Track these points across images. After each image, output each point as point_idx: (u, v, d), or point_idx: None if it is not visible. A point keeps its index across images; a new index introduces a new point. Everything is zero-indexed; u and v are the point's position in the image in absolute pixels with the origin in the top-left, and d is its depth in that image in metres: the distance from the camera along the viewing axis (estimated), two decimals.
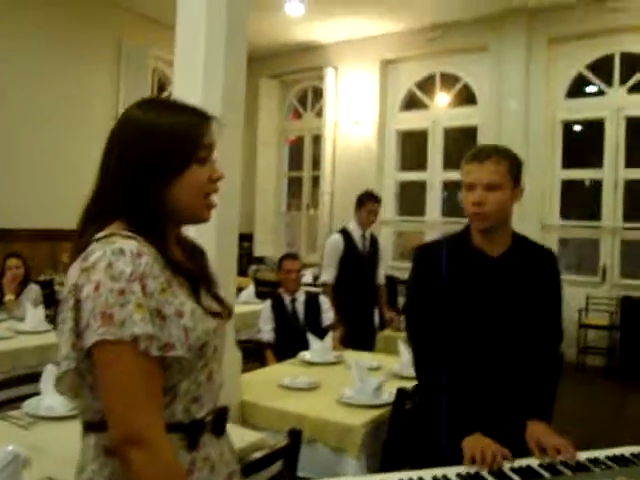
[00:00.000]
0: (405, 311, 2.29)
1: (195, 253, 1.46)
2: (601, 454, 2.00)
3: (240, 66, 3.12)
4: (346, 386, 3.09)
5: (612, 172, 7.90)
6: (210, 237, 2.78)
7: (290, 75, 10.45)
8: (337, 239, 5.12)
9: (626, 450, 2.04)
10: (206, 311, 1.33)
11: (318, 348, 3.86)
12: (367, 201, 5.12)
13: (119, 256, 1.21)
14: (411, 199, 9.55)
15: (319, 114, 10.13)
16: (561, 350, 2.28)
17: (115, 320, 1.17)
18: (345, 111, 9.68)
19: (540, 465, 1.91)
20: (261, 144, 10.35)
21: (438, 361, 2.14)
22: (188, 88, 2.99)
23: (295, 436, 2.15)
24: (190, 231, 1.49)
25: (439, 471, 1.84)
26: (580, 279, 8.02)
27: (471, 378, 2.12)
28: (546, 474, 1.85)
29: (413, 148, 9.64)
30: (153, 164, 1.30)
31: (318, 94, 10.22)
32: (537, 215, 7.97)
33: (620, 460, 1.96)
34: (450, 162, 9.02)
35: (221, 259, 2.86)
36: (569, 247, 8.42)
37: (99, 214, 1.31)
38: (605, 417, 5.65)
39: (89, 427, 1.30)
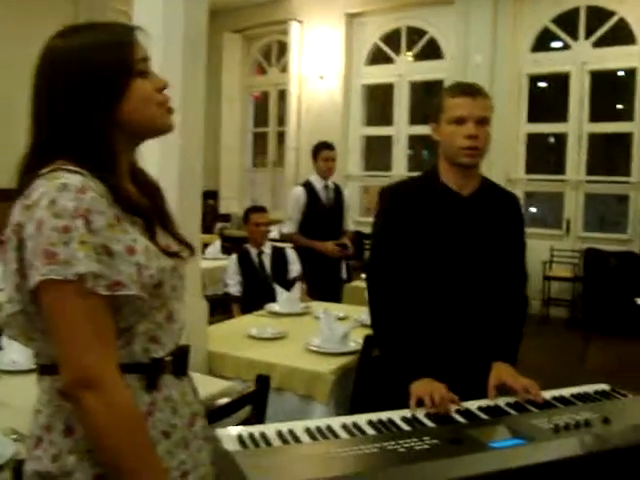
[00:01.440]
0: (371, 256, 2.27)
1: (150, 189, 1.40)
2: (566, 392, 2.04)
3: (201, 18, 3.04)
4: (314, 335, 3.09)
5: (576, 126, 7.95)
6: (173, 191, 2.71)
7: (254, 29, 10.25)
8: (299, 191, 5.12)
9: (590, 388, 2.09)
10: (162, 249, 1.28)
11: (285, 299, 3.85)
12: (321, 149, 5.14)
13: (62, 192, 1.14)
14: (377, 154, 9.52)
15: (284, 69, 9.98)
16: (526, 292, 2.30)
17: (59, 258, 1.11)
18: (310, 66, 9.53)
19: (507, 404, 1.94)
20: (225, 100, 10.19)
21: (400, 305, 2.13)
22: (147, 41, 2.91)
23: (263, 382, 2.14)
24: None
25: (408, 412, 1.85)
26: (544, 232, 8.13)
27: (438, 320, 2.12)
28: (513, 412, 1.88)
29: (379, 103, 9.58)
30: (94, 90, 1.23)
31: (283, 49, 10.06)
32: (503, 168, 7.99)
33: (584, 397, 2.00)
34: (416, 117, 8.97)
35: (184, 213, 2.81)
36: (534, 200, 8.49)
37: (40, 158, 1.23)
38: (568, 366, 5.77)
39: (43, 370, 1.26)
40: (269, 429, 1.69)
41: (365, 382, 2.75)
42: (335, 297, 4.69)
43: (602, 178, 7.96)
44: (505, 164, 8.08)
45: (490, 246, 2.16)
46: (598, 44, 7.88)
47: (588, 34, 7.92)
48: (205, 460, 1.37)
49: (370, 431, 1.71)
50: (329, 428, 1.70)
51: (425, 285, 2.12)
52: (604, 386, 2.11)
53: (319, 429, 1.69)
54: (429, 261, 2.12)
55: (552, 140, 8.58)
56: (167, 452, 1.27)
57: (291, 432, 1.67)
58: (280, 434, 1.65)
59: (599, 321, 7.00)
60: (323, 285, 4.76)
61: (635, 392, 2.09)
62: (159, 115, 1.31)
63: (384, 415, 1.81)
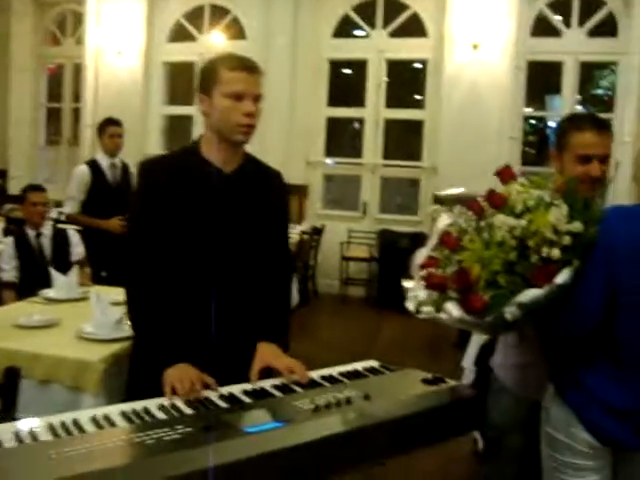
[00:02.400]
0: (127, 235, 2.13)
1: None
2: (334, 371, 2.03)
3: None
4: (89, 322, 2.89)
5: (374, 112, 8.25)
6: None
7: None
8: (83, 169, 4.86)
9: (359, 365, 2.10)
10: None
11: (62, 284, 3.58)
12: (107, 126, 4.96)
13: None
14: (178, 134, 9.26)
15: (79, 41, 9.37)
16: (292, 268, 2.28)
17: None
18: (108, 40, 9.02)
19: (273, 386, 1.89)
20: (16, 70, 9.41)
21: (156, 288, 2.01)
22: None
23: (11, 374, 1.94)
24: None
25: (167, 400, 1.75)
26: (343, 214, 8.39)
27: (198, 302, 2.02)
28: (279, 394, 1.83)
29: (182, 81, 9.32)
30: None
31: (79, 19, 9.42)
32: (302, 151, 8.12)
33: (352, 375, 2.00)
34: None
35: None
36: (333, 183, 8.70)
37: None
38: (364, 342, 6.01)
39: None
40: (6, 428, 1.51)
41: (140, 369, 2.60)
42: (121, 279, 4.45)
43: (397, 162, 8.35)
44: (305, 147, 8.22)
45: (252, 224, 2.09)
46: (394, 34, 8.23)
47: (385, 24, 8.24)
48: None
49: (121, 423, 1.58)
50: (75, 423, 1.55)
51: (183, 265, 2.01)
52: (373, 362, 2.14)
53: (63, 424, 1.54)
54: (186, 240, 2.01)
55: (353, 125, 8.84)
56: None
57: (30, 431, 1.50)
58: (17, 434, 1.48)
59: (392, 299, 7.31)
60: (109, 267, 4.52)
61: (416, 363, 2.15)
62: None
63: (140, 404, 1.70)
